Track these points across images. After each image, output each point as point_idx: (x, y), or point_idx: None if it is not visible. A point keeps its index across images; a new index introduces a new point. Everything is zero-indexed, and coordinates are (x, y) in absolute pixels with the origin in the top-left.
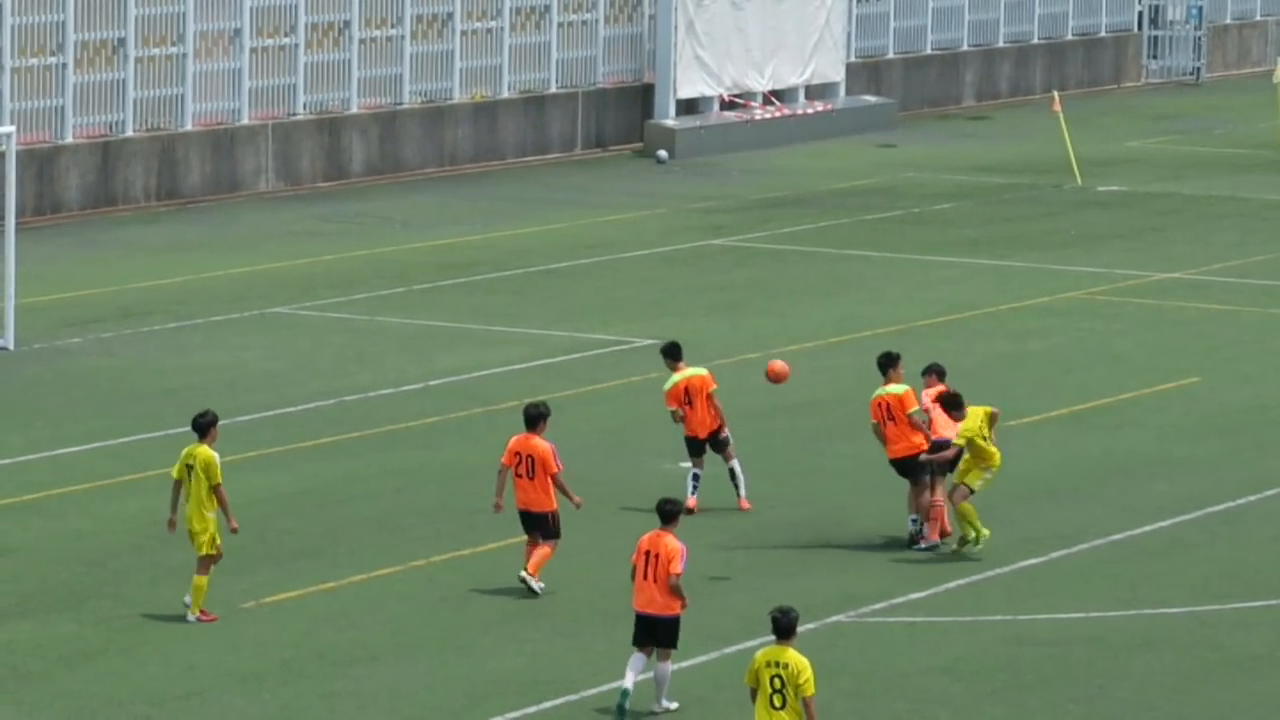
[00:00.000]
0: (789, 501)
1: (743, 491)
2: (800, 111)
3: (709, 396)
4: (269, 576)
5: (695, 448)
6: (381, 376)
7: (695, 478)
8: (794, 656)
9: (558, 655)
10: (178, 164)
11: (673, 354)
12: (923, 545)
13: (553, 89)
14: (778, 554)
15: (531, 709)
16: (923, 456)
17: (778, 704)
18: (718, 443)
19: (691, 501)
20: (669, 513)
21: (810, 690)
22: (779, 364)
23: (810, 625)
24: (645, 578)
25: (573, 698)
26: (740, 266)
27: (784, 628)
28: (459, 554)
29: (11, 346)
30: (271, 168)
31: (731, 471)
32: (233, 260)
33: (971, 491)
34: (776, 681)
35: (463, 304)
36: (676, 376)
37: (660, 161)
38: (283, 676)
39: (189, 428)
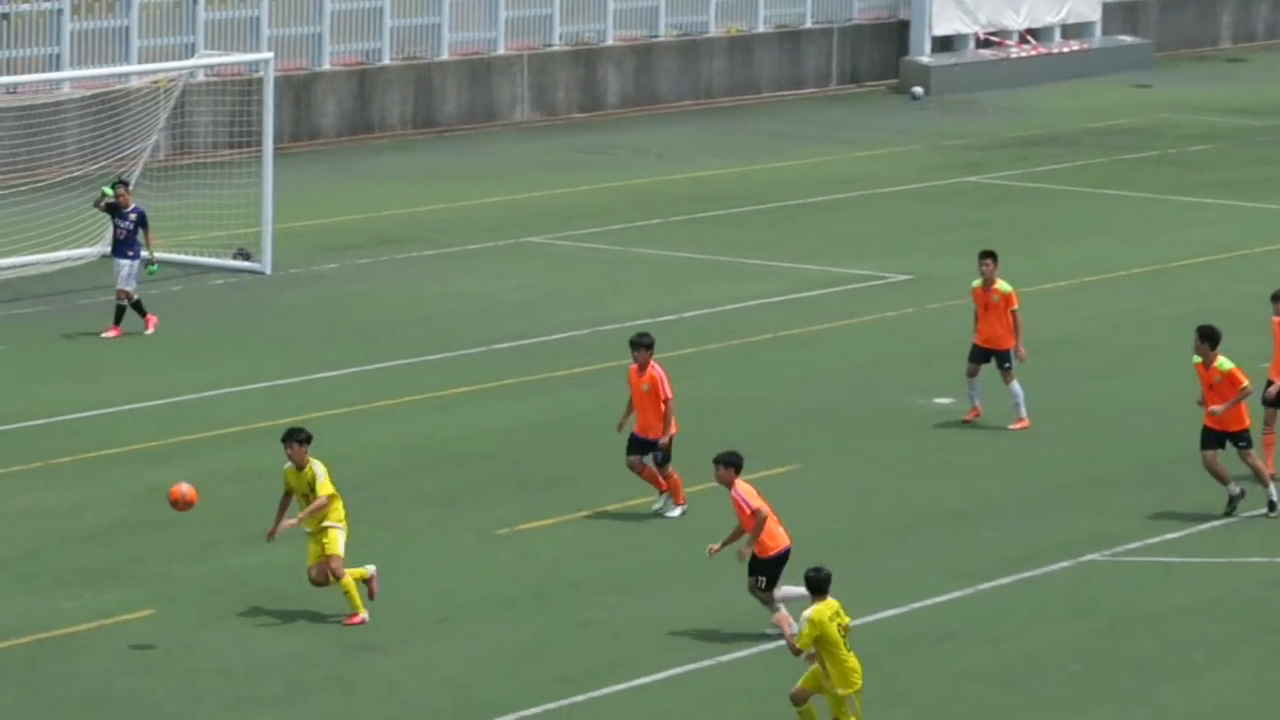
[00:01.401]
0: (1043, 440)
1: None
2: (1056, 50)
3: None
4: (523, 504)
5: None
6: (636, 307)
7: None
8: (837, 603)
9: None
10: (434, 92)
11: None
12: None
13: (808, 24)
14: (1032, 492)
15: (784, 642)
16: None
17: (848, 647)
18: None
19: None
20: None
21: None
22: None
23: (1064, 563)
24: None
25: None
26: (995, 204)
27: (816, 584)
28: (712, 485)
29: (269, 271)
30: (527, 98)
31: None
32: (488, 189)
33: None
34: (841, 629)
35: (717, 237)
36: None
37: (915, 99)
38: (536, 604)
39: (442, 355)
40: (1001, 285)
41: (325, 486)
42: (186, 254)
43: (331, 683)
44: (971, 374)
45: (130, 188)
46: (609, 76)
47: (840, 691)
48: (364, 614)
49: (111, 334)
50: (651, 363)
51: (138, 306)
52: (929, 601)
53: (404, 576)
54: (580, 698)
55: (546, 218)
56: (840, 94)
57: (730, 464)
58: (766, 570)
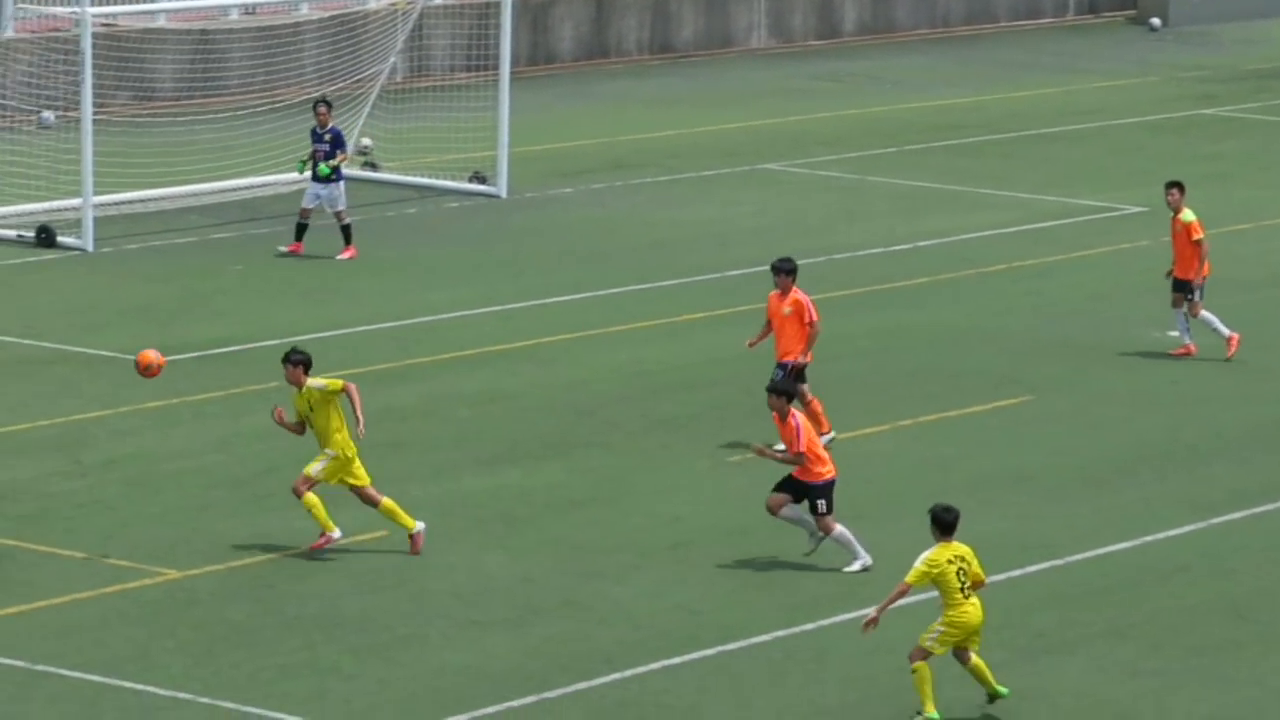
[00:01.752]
0: (1278, 374)
1: (1224, 332)
2: None
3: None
4: (755, 431)
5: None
6: (870, 235)
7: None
8: (966, 548)
9: (1044, 519)
10: (670, 18)
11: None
12: None
13: None
14: (1266, 426)
15: (1015, 573)
16: None
17: (967, 594)
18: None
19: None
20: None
21: (984, 575)
22: (150, 361)
23: None
24: None
25: (1058, 562)
26: (1232, 137)
27: (947, 524)
28: (945, 415)
29: (504, 194)
30: (764, 25)
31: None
32: (723, 115)
33: None
34: (961, 575)
35: (952, 166)
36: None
37: (1153, 29)
38: (768, 532)
39: (676, 281)
40: (1184, 215)
41: (334, 384)
42: (422, 176)
43: (563, 607)
44: (1174, 304)
45: (331, 109)
46: (846, 4)
47: (923, 638)
48: (334, 532)
49: (346, 255)
50: (795, 288)
51: (299, 230)
52: (1160, 535)
53: (635, 502)
54: (810, 625)
55: (781, 145)
56: (1077, 24)
57: (783, 393)
58: (824, 494)
